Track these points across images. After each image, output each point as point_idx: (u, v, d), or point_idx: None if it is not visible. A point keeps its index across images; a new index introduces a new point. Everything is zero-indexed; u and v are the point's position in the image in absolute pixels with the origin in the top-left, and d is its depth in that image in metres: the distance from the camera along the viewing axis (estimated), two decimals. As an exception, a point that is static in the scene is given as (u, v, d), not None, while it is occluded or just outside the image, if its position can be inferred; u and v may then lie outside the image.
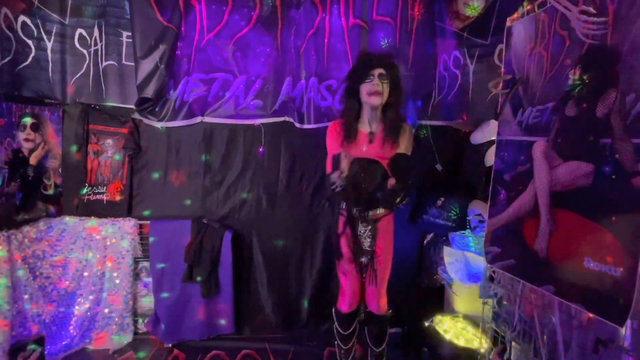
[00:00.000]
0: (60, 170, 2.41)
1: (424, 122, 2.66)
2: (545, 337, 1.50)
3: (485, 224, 1.88)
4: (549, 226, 1.45)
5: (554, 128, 1.46)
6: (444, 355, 2.19)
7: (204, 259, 2.45)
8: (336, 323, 2.10)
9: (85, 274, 2.41)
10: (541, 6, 1.58)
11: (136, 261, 2.53)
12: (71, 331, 2.40)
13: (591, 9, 1.30)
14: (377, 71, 1.85)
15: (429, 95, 2.62)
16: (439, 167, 2.71)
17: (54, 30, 2.27)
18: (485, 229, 1.88)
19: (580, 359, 1.35)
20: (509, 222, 1.70)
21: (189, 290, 2.48)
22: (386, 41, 2.51)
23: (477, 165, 2.51)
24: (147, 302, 2.58)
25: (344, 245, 2.00)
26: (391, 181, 1.83)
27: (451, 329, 2.24)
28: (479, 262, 2.12)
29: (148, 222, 2.51)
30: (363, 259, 1.99)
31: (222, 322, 2.55)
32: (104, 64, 2.38)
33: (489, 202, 1.86)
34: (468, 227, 2.47)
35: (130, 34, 2.31)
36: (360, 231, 1.96)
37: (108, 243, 2.43)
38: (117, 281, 2.44)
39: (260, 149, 2.59)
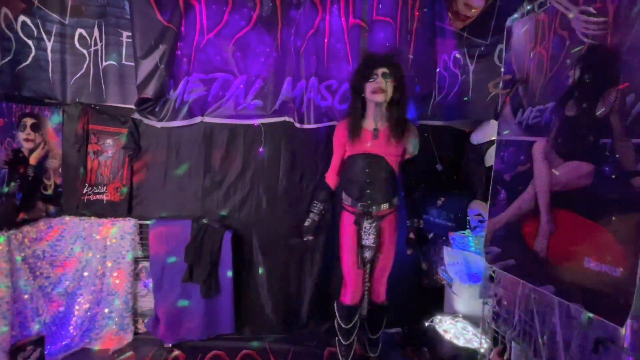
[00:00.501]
0: (60, 170, 2.42)
1: (424, 122, 2.66)
2: (545, 337, 1.50)
3: (485, 224, 1.88)
4: (549, 226, 1.45)
5: (554, 128, 1.46)
6: (444, 355, 2.19)
7: (204, 259, 2.45)
8: (338, 317, 2.13)
9: (85, 274, 2.41)
10: (541, 6, 1.58)
11: (136, 261, 2.53)
12: (71, 331, 2.40)
13: (591, 9, 1.29)
14: (381, 70, 1.90)
15: (429, 95, 2.62)
16: (439, 167, 2.71)
17: (54, 30, 2.27)
18: (485, 229, 1.88)
19: (580, 359, 1.35)
20: (509, 222, 1.70)
21: (189, 290, 2.48)
22: (387, 45, 2.51)
23: (477, 165, 2.51)
24: (147, 302, 2.58)
25: (348, 240, 2.03)
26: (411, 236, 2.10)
27: (451, 329, 2.24)
28: (479, 262, 2.13)
29: (148, 222, 2.51)
30: (367, 254, 2.05)
31: (222, 322, 2.55)
32: (104, 64, 2.38)
33: (489, 202, 1.86)
34: (468, 227, 2.47)
35: (130, 34, 2.31)
36: (365, 227, 2.02)
37: (108, 243, 2.43)
38: (117, 281, 2.44)
39: (260, 149, 2.59)
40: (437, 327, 2.30)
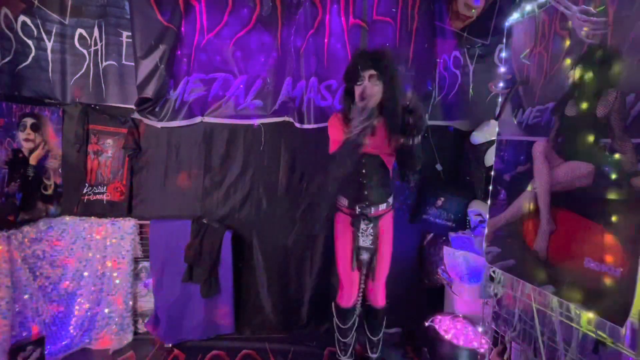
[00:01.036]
0: (60, 170, 2.42)
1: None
2: (545, 337, 1.50)
3: (485, 224, 1.88)
4: (549, 226, 1.45)
5: (554, 128, 1.46)
6: (444, 355, 2.19)
7: (204, 259, 2.45)
8: (335, 317, 2.13)
9: (85, 274, 2.41)
10: (541, 6, 1.58)
11: (136, 261, 2.53)
12: (71, 331, 2.40)
13: (591, 9, 1.30)
14: (368, 73, 1.81)
15: (429, 95, 2.62)
16: (439, 167, 2.71)
17: (54, 30, 2.27)
18: (485, 229, 1.88)
19: (580, 359, 1.35)
20: (509, 222, 1.70)
21: (189, 290, 2.48)
22: (387, 45, 2.50)
23: (477, 165, 2.51)
24: (147, 302, 2.58)
25: (344, 242, 2.02)
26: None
27: (451, 329, 2.24)
28: (479, 262, 2.13)
29: (148, 222, 2.51)
30: (364, 256, 2.02)
31: (222, 322, 2.55)
32: (104, 64, 2.38)
33: (489, 202, 1.86)
34: (468, 227, 2.47)
35: (130, 34, 2.31)
36: (362, 229, 1.98)
37: (108, 243, 2.43)
38: (117, 281, 2.44)
39: (260, 149, 2.59)
40: (437, 327, 2.29)
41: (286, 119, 2.55)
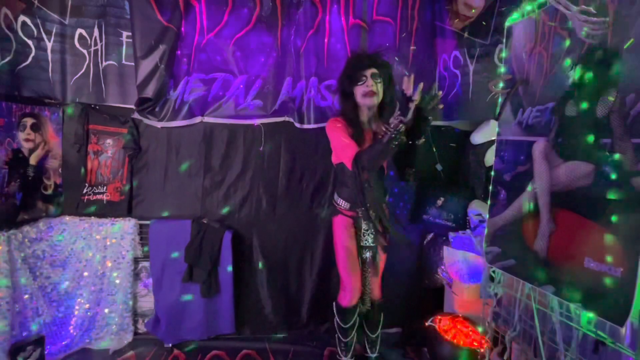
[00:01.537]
0: (60, 170, 2.42)
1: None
2: (545, 337, 1.50)
3: (486, 224, 1.88)
4: (549, 226, 1.45)
5: (554, 128, 1.46)
6: (444, 355, 2.19)
7: (204, 259, 2.45)
8: (337, 317, 2.13)
9: (85, 274, 2.41)
10: (541, 6, 1.58)
11: (136, 261, 2.54)
12: (71, 331, 2.40)
13: (591, 9, 1.30)
14: (370, 71, 1.85)
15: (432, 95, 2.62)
16: (439, 167, 2.71)
17: (54, 30, 2.27)
18: (485, 229, 1.88)
19: (580, 359, 1.35)
20: (509, 222, 1.70)
21: (189, 290, 2.48)
22: (387, 45, 2.50)
23: (477, 165, 2.51)
24: (147, 302, 2.58)
25: (346, 243, 2.03)
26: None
27: (451, 329, 2.24)
28: (479, 262, 2.13)
29: (148, 222, 2.51)
30: (367, 255, 2.06)
31: (222, 322, 2.55)
32: (104, 64, 2.38)
33: (489, 202, 1.86)
34: (468, 227, 2.47)
35: (130, 34, 2.31)
36: (363, 228, 2.03)
37: (108, 243, 2.43)
38: (117, 281, 2.44)
39: (260, 149, 2.59)
40: (437, 327, 2.29)
41: (286, 119, 2.55)
